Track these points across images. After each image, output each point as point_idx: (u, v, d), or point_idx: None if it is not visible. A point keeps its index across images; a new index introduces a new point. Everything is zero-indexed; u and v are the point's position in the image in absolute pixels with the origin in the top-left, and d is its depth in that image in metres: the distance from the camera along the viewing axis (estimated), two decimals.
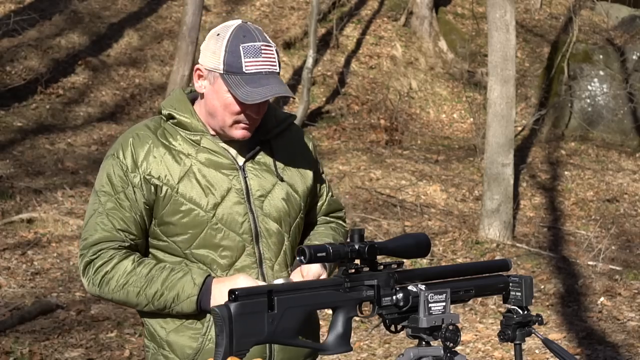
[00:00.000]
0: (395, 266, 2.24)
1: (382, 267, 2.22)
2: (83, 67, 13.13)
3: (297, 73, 14.16)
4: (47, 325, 6.53)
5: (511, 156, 9.69)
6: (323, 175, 2.85)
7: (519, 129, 13.10)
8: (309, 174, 2.74)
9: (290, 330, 2.05)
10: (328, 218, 2.88)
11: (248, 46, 2.51)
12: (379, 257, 2.20)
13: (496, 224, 9.47)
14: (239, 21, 2.59)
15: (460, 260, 8.73)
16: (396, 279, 2.21)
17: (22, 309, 6.78)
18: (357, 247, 2.15)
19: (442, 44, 16.09)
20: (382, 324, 2.72)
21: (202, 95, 2.61)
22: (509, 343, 2.40)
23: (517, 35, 10.66)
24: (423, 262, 7.96)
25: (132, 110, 12.71)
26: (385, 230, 9.41)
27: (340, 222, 2.90)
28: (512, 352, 2.42)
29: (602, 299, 7.67)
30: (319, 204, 2.82)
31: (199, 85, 2.59)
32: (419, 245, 2.28)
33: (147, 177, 2.55)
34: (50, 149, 10.76)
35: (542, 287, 7.98)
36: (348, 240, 2.20)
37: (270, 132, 2.67)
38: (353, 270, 2.17)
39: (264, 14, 15.85)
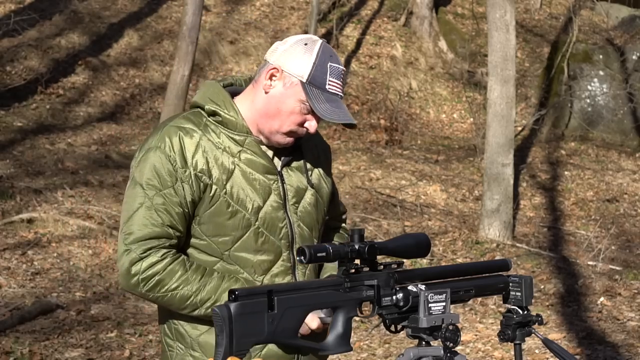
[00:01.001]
0: (395, 266, 2.24)
1: (382, 267, 2.22)
2: (83, 67, 13.13)
3: None
4: (47, 325, 6.53)
5: (511, 156, 9.69)
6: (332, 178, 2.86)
7: (519, 129, 13.10)
8: (330, 177, 2.75)
9: (290, 330, 2.05)
10: (336, 223, 2.88)
11: (334, 67, 2.51)
12: (379, 257, 2.20)
13: (496, 224, 9.47)
14: (318, 38, 2.58)
15: (460, 260, 8.73)
16: (396, 279, 2.21)
17: (22, 309, 6.78)
18: (357, 247, 2.14)
19: (442, 44, 16.10)
20: (382, 324, 2.72)
21: (262, 94, 2.54)
22: (509, 343, 2.40)
23: (517, 35, 10.66)
24: (423, 262, 7.96)
25: (132, 110, 12.71)
26: (385, 230, 9.41)
27: (344, 225, 2.92)
28: (512, 352, 2.42)
29: (602, 299, 7.67)
30: (333, 207, 2.82)
31: (269, 84, 2.53)
32: (419, 245, 2.28)
33: (198, 173, 2.48)
34: (50, 149, 10.76)
35: (542, 287, 7.98)
36: (348, 240, 2.20)
37: (302, 137, 2.63)
38: (353, 270, 2.17)
39: (264, 14, 15.85)
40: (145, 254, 2.46)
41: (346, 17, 16.15)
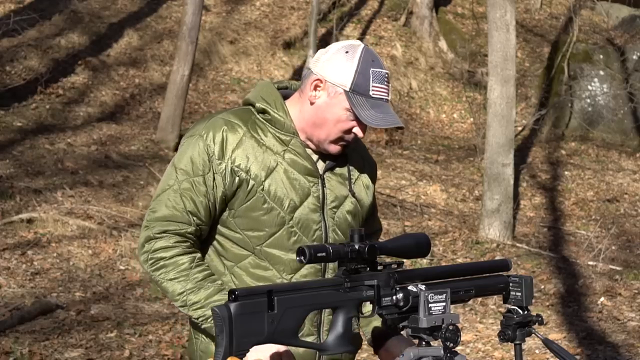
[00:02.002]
0: (395, 266, 2.24)
1: (382, 267, 2.22)
2: (83, 67, 13.13)
3: (297, 73, 14.16)
4: (47, 325, 6.52)
5: (511, 156, 9.69)
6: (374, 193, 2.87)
7: (519, 129, 13.10)
8: (372, 188, 2.76)
9: (290, 330, 2.05)
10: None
11: (377, 72, 2.54)
12: (379, 257, 2.19)
13: (496, 224, 9.47)
14: (360, 42, 2.62)
15: (460, 260, 8.73)
16: (396, 279, 2.21)
17: (22, 309, 6.78)
18: (357, 247, 2.14)
19: (442, 44, 16.10)
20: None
21: (308, 104, 2.59)
22: (509, 343, 2.40)
23: (517, 35, 10.66)
24: (423, 262, 7.96)
25: (132, 110, 12.71)
26: (385, 230, 9.41)
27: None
28: (512, 352, 2.42)
29: (602, 299, 7.67)
30: (368, 221, 2.81)
31: (314, 94, 2.57)
32: (419, 245, 2.28)
33: (235, 168, 2.52)
34: (50, 149, 10.75)
35: (542, 287, 7.98)
36: (348, 240, 2.20)
37: (349, 145, 2.66)
38: (353, 270, 2.17)
39: (264, 14, 15.85)
40: (160, 235, 2.53)
41: (346, 17, 16.15)
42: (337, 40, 15.36)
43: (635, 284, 8.06)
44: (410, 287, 2.20)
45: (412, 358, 2.21)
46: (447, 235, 9.57)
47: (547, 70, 14.96)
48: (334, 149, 2.59)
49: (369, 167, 2.78)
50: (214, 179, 2.53)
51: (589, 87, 14.27)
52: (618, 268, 8.61)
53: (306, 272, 2.57)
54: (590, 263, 8.74)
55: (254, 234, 2.55)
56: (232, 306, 1.95)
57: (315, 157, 2.63)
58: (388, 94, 2.57)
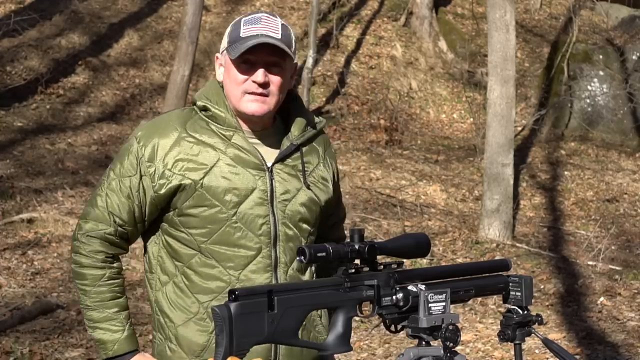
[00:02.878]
0: (395, 266, 2.24)
1: (382, 267, 2.22)
2: (83, 67, 13.14)
3: (297, 73, 14.16)
4: (47, 325, 6.53)
5: (511, 156, 9.69)
6: (339, 184, 2.85)
7: (519, 129, 13.10)
8: (331, 184, 2.73)
9: (290, 330, 2.05)
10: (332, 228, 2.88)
11: (249, 18, 2.58)
12: (379, 257, 2.20)
13: (496, 224, 9.47)
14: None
15: (460, 260, 8.73)
16: (396, 279, 2.21)
17: (22, 309, 6.78)
18: (357, 247, 2.14)
19: (442, 44, 16.10)
20: (382, 324, 2.72)
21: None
22: (509, 343, 2.40)
23: (517, 35, 10.66)
24: (423, 262, 7.96)
25: (132, 110, 12.72)
26: (385, 230, 9.41)
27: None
28: (512, 352, 2.42)
29: (602, 299, 7.67)
30: (332, 213, 2.82)
31: (218, 73, 2.63)
32: (419, 245, 2.28)
33: (167, 170, 2.53)
34: (51, 149, 10.76)
35: (542, 287, 7.98)
36: (348, 240, 2.21)
37: (302, 137, 2.64)
38: (353, 270, 2.17)
39: None
40: (83, 241, 2.60)
41: (346, 17, 16.14)
42: (337, 40, 15.36)
43: (634, 284, 8.06)
44: (410, 287, 2.20)
45: (412, 358, 2.21)
46: (447, 235, 9.57)
47: (546, 71, 14.96)
48: (249, 107, 2.55)
49: (328, 160, 2.75)
50: (141, 181, 2.55)
51: (589, 87, 14.28)
52: (618, 268, 8.61)
53: (255, 268, 2.55)
54: (590, 263, 8.75)
55: (198, 231, 2.54)
56: (232, 306, 1.95)
57: (263, 149, 2.60)
58: (269, 30, 2.53)
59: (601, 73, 14.28)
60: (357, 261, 2.19)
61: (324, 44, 15.24)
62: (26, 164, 10.14)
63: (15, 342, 6.15)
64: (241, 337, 1.96)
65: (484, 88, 12.59)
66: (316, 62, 13.80)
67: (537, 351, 6.29)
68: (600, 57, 14.47)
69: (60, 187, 9.43)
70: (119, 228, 2.59)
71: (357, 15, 16.29)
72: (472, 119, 14.03)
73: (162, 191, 2.53)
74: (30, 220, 8.49)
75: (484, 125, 10.93)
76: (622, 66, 14.38)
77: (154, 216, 2.60)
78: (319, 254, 2.08)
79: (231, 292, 1.97)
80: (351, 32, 15.90)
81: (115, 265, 2.62)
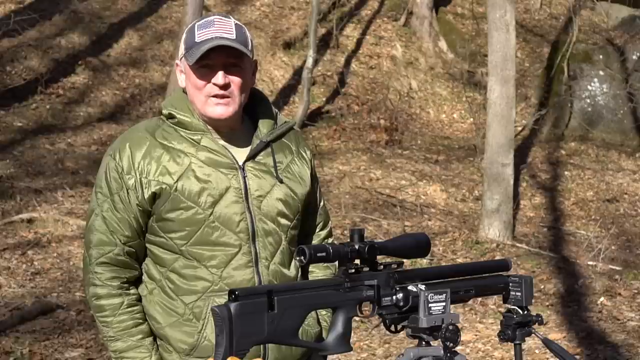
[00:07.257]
0: (395, 266, 2.24)
1: (382, 267, 2.22)
2: (83, 67, 13.13)
3: (297, 73, 14.16)
4: (47, 325, 6.53)
5: (511, 156, 9.69)
6: (318, 184, 2.88)
7: (519, 129, 13.10)
8: (307, 178, 2.76)
9: (290, 330, 2.05)
10: (322, 234, 2.91)
11: (202, 22, 2.63)
12: (379, 257, 2.20)
13: (496, 224, 9.47)
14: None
15: (460, 260, 8.73)
16: (396, 279, 2.21)
17: (22, 309, 6.78)
18: (357, 247, 2.14)
19: (442, 44, 16.10)
20: (382, 324, 2.72)
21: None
22: (509, 343, 2.40)
23: (517, 35, 10.66)
24: (423, 262, 7.96)
25: (132, 110, 12.71)
26: (385, 230, 9.41)
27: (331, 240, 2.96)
28: (512, 352, 2.42)
29: (602, 299, 7.67)
30: (313, 212, 2.85)
31: (180, 80, 2.67)
32: (419, 245, 2.28)
33: (143, 178, 2.57)
34: (50, 149, 10.76)
35: (542, 287, 7.98)
36: (348, 240, 2.20)
37: (271, 134, 2.70)
38: (353, 270, 2.17)
39: (264, 14, 15.85)
40: (96, 273, 2.61)
41: (346, 17, 16.14)
42: (337, 40, 15.36)
43: (634, 284, 8.06)
44: (410, 287, 2.20)
45: (412, 358, 2.21)
46: (447, 235, 9.57)
47: (547, 71, 14.96)
48: (214, 111, 2.59)
49: (303, 154, 2.79)
50: (127, 194, 2.58)
51: (589, 87, 14.27)
52: (618, 268, 8.61)
53: (237, 264, 2.58)
54: (590, 263, 8.75)
55: (177, 235, 2.58)
56: (232, 306, 1.95)
57: (233, 149, 2.64)
58: (223, 31, 2.58)
59: (601, 73, 14.28)
60: (357, 261, 2.19)
61: (324, 44, 15.24)
62: (26, 164, 10.13)
63: (15, 342, 6.15)
64: (241, 337, 1.95)
65: (484, 88, 12.58)
66: (316, 62, 13.79)
67: (537, 351, 6.28)
68: (601, 57, 14.46)
69: (60, 187, 9.42)
70: (125, 246, 2.61)
71: (357, 15, 16.28)
72: (472, 119, 14.03)
73: (144, 199, 2.58)
74: (30, 220, 8.49)
75: (484, 125, 10.93)
76: (623, 66, 14.38)
77: (145, 226, 2.63)
78: (318, 254, 2.08)
79: (231, 292, 1.98)
80: (351, 32, 15.90)
81: (132, 292, 2.64)
